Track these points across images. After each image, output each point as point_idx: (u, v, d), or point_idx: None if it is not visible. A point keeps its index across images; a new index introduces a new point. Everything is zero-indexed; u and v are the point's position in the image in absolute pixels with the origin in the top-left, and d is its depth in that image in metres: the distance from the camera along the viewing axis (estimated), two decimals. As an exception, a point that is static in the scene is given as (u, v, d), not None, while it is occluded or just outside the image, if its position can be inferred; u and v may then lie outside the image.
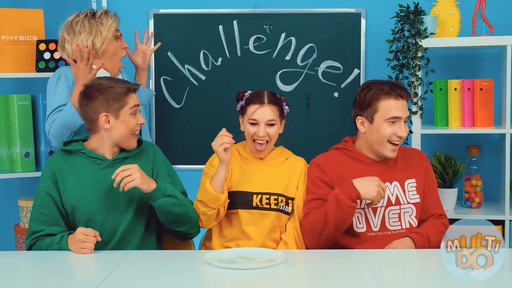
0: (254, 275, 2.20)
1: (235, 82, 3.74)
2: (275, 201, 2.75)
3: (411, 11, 3.38)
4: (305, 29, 3.73)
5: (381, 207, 2.71)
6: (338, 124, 3.74)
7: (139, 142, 2.74)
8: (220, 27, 3.74)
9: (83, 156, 2.67)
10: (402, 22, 3.39)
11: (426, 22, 3.36)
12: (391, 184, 2.76)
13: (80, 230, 2.49)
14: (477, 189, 3.54)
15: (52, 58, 3.44)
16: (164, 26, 3.75)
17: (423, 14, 3.39)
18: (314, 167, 2.81)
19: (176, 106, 3.79)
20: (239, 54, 3.76)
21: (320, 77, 3.74)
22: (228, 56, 3.75)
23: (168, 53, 3.76)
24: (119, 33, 3.14)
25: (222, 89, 3.76)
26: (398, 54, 3.39)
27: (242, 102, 2.83)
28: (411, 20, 3.35)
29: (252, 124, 2.77)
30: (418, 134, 3.40)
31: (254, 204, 2.74)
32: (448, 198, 3.47)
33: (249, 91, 2.84)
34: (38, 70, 3.44)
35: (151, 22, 3.75)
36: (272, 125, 2.78)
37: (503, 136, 3.43)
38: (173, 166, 2.87)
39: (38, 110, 3.41)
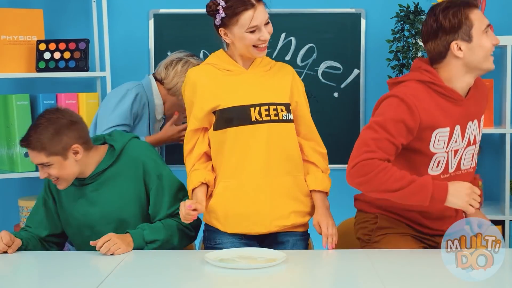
0: (254, 275, 2.20)
1: (235, 82, 3.74)
2: (275, 112, 2.53)
3: (411, 11, 3.38)
4: (305, 29, 3.73)
5: (462, 148, 2.50)
6: (338, 124, 3.74)
7: (113, 152, 2.67)
8: (220, 27, 3.74)
9: None
10: (402, 22, 3.39)
11: (426, 22, 3.36)
12: (472, 123, 2.54)
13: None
14: (477, 189, 3.54)
15: (52, 58, 3.44)
16: (164, 26, 3.75)
17: (423, 14, 3.38)
18: (401, 105, 2.39)
19: (176, 106, 3.79)
20: (239, 54, 3.75)
21: (320, 77, 3.74)
22: (228, 56, 3.75)
23: (168, 53, 3.76)
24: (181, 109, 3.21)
25: (222, 89, 3.76)
26: (398, 54, 3.39)
27: (222, 14, 2.49)
28: (411, 20, 3.35)
29: (252, 32, 2.50)
30: (418, 134, 3.39)
31: (253, 119, 2.50)
32: (448, 198, 3.46)
33: (221, 1, 2.51)
34: (38, 70, 3.44)
35: (151, 22, 3.75)
36: (268, 23, 2.55)
37: (503, 136, 3.43)
38: (173, 166, 2.86)
39: (38, 110, 3.41)
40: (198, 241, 2.93)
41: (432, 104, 2.42)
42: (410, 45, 3.35)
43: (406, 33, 3.37)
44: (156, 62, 3.76)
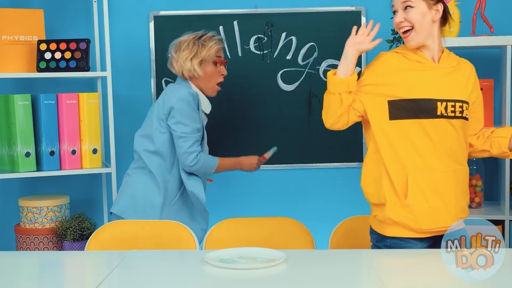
0: (254, 275, 2.20)
1: (236, 83, 3.74)
2: (460, 108, 2.54)
3: (412, 11, 3.38)
4: (305, 28, 3.73)
5: None
6: (339, 124, 3.73)
7: None
8: (221, 27, 3.74)
9: None
10: (403, 22, 3.39)
11: (426, 22, 3.35)
12: None
13: None
14: (477, 189, 3.54)
15: (53, 58, 3.45)
16: (165, 28, 3.76)
17: (424, 14, 3.38)
18: None
19: (177, 106, 3.79)
20: (240, 55, 3.76)
21: (322, 76, 3.74)
22: (229, 57, 3.75)
23: (169, 55, 3.76)
24: (219, 59, 3.17)
25: (224, 89, 3.76)
26: (399, 54, 3.38)
27: None
28: (412, 20, 3.34)
29: (394, 12, 2.60)
30: (419, 134, 3.39)
31: (438, 113, 2.51)
32: (448, 198, 3.47)
33: None
34: (39, 70, 3.45)
35: (152, 24, 3.75)
36: (409, 7, 2.53)
37: (503, 136, 3.43)
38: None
39: (39, 110, 3.42)
40: (201, 242, 2.93)
41: None
42: (411, 45, 3.34)
43: (407, 33, 3.37)
44: (157, 63, 3.77)
